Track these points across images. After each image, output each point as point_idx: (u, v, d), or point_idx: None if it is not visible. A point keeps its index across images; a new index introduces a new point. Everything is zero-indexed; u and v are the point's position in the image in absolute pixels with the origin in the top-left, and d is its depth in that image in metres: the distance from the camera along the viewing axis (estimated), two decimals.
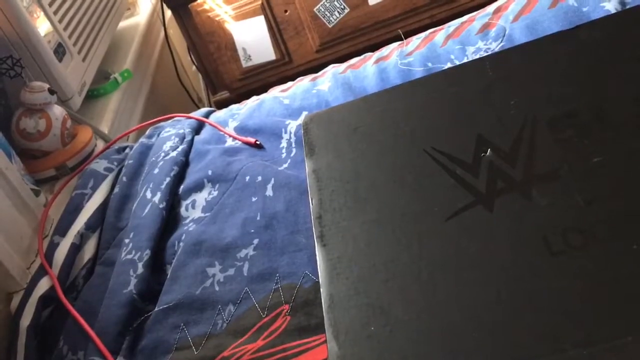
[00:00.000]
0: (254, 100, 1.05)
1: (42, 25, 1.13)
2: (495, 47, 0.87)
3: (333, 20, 1.48)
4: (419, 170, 0.60)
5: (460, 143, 0.60)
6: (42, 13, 1.14)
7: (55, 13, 1.19)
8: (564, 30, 0.72)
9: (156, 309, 0.72)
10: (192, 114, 1.07)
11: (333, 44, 1.52)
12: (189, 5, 1.50)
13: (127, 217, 0.88)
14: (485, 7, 0.98)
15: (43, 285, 0.80)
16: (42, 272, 0.82)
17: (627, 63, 0.63)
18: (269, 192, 0.80)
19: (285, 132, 0.91)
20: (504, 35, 0.88)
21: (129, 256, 0.79)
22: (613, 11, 0.79)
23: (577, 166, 0.54)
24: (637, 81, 0.60)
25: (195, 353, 0.66)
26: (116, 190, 0.94)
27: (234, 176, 0.86)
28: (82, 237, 0.88)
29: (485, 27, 0.91)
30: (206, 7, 1.51)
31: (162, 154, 0.95)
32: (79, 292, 0.82)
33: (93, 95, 1.34)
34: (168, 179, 0.89)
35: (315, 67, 1.30)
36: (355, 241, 0.57)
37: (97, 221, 0.90)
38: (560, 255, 0.48)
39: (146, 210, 0.84)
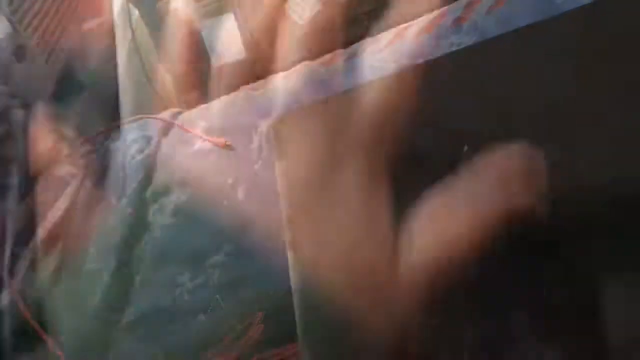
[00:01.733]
0: (223, 100, 1.02)
1: (0, 27, 1.09)
2: (468, 41, 0.86)
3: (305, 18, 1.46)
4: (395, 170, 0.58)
5: (435, 140, 0.59)
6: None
7: (13, 13, 1.14)
8: (537, 22, 0.70)
9: (123, 320, 0.69)
10: (159, 115, 1.04)
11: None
12: (157, 5, 1.47)
13: (92, 225, 0.85)
14: (457, 1, 0.96)
15: (3, 300, 0.77)
16: (1, 286, 0.79)
17: (603, 55, 0.61)
18: (240, 195, 0.78)
19: (256, 133, 0.88)
20: (476, 29, 0.86)
21: (94, 265, 0.76)
22: (588, 2, 0.78)
23: None
24: (613, 74, 0.59)
25: None
26: (80, 196, 0.91)
27: (203, 179, 0.83)
28: (45, 247, 0.84)
29: (458, 22, 0.90)
30: (174, 6, 1.47)
31: (128, 158, 0.92)
32: (42, 305, 0.78)
33: (57, 98, 1.30)
34: (134, 184, 0.86)
35: (287, 66, 1.28)
36: (328, 246, 0.55)
37: (61, 230, 0.87)
38: None
39: (111, 217, 0.81)
